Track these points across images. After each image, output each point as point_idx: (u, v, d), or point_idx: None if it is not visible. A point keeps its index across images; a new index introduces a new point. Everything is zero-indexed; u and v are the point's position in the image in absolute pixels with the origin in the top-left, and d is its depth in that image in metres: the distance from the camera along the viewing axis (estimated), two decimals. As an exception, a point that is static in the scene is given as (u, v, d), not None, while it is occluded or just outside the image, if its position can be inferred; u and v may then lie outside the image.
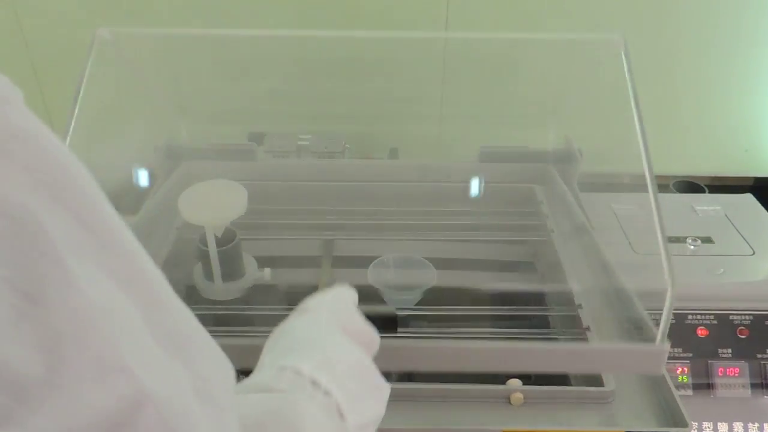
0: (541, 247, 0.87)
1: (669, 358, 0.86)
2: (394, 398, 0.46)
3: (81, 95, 0.66)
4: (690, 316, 0.87)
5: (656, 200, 0.60)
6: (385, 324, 0.57)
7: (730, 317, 0.86)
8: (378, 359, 0.47)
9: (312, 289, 0.79)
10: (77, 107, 0.65)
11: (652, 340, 0.59)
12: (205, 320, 0.78)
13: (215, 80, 0.98)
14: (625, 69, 0.65)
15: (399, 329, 0.72)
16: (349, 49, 1.35)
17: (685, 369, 0.86)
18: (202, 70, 0.91)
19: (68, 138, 0.65)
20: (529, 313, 0.78)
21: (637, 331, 0.66)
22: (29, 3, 1.35)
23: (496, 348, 0.59)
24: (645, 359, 0.59)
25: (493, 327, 0.72)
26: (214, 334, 0.75)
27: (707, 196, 1.09)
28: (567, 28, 1.31)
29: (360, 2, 1.26)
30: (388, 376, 0.60)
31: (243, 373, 0.73)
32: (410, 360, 0.60)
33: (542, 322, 0.77)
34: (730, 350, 0.86)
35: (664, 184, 1.21)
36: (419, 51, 1.34)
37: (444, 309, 0.79)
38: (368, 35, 0.87)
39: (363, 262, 0.81)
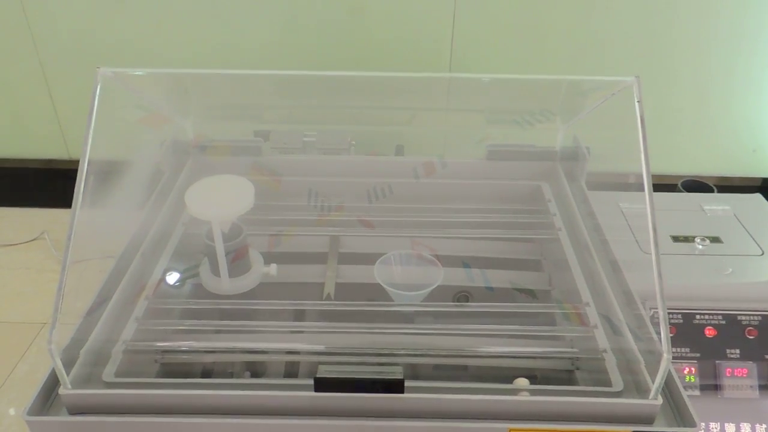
0: (548, 245, 0.86)
1: (677, 357, 0.85)
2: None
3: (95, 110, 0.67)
4: (698, 316, 0.86)
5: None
6: (392, 387, 0.57)
7: (739, 318, 0.86)
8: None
9: (318, 285, 0.80)
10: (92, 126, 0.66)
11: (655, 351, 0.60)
12: (212, 315, 0.78)
13: (221, 78, 0.98)
14: (637, 115, 0.66)
15: (404, 327, 0.72)
16: (357, 47, 1.35)
17: (693, 369, 0.85)
18: (209, 75, 0.91)
19: (88, 145, 0.66)
20: (536, 310, 0.78)
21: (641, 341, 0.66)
22: (37, -1, 1.35)
23: (487, 400, 0.60)
24: (637, 413, 0.60)
25: (500, 325, 0.71)
26: (221, 329, 0.75)
27: (716, 196, 1.08)
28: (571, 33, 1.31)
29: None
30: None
31: (249, 370, 0.73)
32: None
33: (549, 320, 0.77)
34: (738, 351, 0.85)
35: (672, 184, 1.20)
36: (426, 49, 1.34)
37: (450, 306, 0.78)
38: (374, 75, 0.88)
39: (369, 259, 0.80)
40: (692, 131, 1.44)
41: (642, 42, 1.32)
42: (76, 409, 0.60)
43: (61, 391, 0.60)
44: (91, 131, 0.66)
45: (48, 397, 0.62)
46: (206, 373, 0.72)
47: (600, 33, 1.31)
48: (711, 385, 0.85)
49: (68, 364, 0.61)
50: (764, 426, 0.84)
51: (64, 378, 0.60)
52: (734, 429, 0.84)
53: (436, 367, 0.71)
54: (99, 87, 0.68)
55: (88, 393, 0.60)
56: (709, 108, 1.41)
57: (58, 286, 0.60)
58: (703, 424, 0.83)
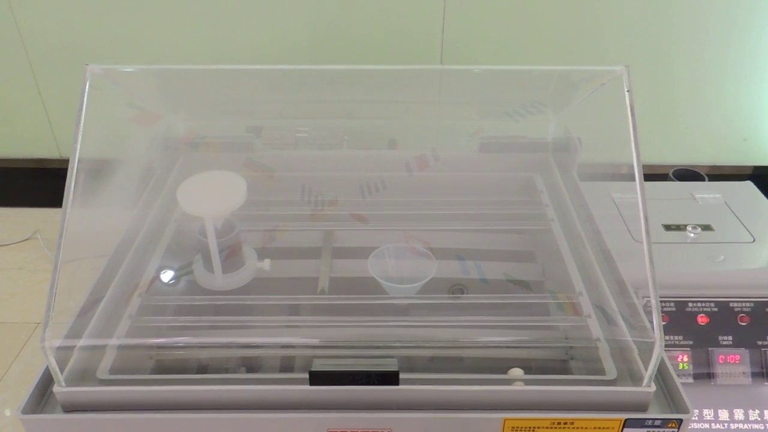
0: (541, 236, 0.87)
1: (670, 345, 0.86)
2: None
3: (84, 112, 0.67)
4: (690, 304, 0.87)
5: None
6: (387, 378, 0.57)
7: (731, 305, 0.87)
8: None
9: (312, 280, 0.80)
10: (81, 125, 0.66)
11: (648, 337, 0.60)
12: (206, 311, 0.78)
13: (212, 73, 0.98)
14: (627, 104, 0.66)
15: (398, 319, 0.72)
16: (347, 41, 1.34)
17: (686, 357, 0.86)
18: (200, 70, 0.91)
19: (78, 142, 0.65)
20: (529, 301, 0.78)
21: (635, 330, 0.66)
22: (24, -4, 1.34)
23: (482, 390, 0.61)
24: (630, 400, 0.61)
25: (494, 316, 0.72)
26: (215, 325, 0.75)
27: (707, 184, 1.09)
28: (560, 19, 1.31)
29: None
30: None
31: (244, 365, 0.73)
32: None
33: (543, 310, 0.77)
34: (730, 338, 0.86)
35: (663, 173, 1.21)
36: (417, 41, 1.34)
37: (444, 298, 0.78)
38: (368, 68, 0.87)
39: (363, 253, 0.80)
40: (683, 120, 1.45)
41: (634, 32, 1.32)
42: (71, 407, 0.60)
43: (56, 389, 0.60)
44: (80, 129, 0.66)
45: (42, 395, 0.61)
46: (201, 368, 0.72)
47: (592, 23, 1.32)
48: (704, 373, 0.86)
49: (62, 362, 0.61)
50: (757, 412, 0.85)
51: (58, 376, 0.59)
52: (727, 415, 0.84)
53: (431, 358, 0.71)
54: (87, 84, 0.68)
55: (82, 390, 0.60)
56: (701, 97, 1.41)
57: (51, 285, 0.60)
58: (696, 410, 0.84)
